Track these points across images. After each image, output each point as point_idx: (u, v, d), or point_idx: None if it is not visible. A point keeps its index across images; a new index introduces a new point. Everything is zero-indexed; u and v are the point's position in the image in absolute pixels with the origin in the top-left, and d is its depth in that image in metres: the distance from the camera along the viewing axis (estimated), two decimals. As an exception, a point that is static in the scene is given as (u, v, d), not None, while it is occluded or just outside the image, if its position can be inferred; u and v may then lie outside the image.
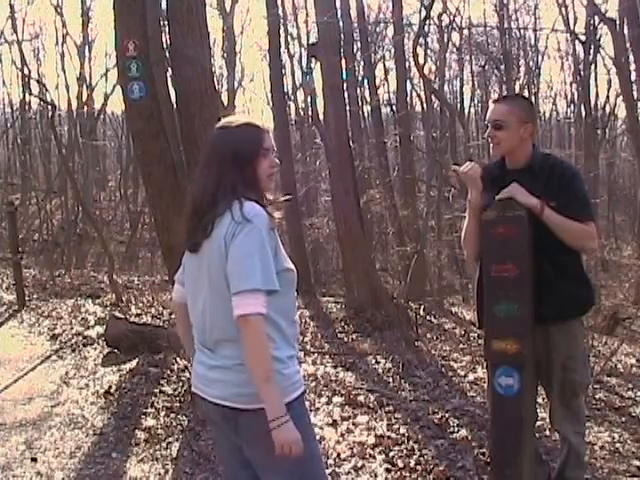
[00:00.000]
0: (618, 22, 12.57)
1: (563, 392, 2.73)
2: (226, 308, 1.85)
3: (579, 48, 18.40)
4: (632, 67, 11.90)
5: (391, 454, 3.64)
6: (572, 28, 18.88)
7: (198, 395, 2.03)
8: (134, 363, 5.52)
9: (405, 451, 3.69)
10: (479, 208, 2.70)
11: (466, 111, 22.27)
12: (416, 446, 3.75)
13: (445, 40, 16.50)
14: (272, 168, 2.00)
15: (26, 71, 20.42)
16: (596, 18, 16.00)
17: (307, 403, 4.58)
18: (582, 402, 2.87)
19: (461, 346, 7.42)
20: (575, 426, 2.79)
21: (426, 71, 15.73)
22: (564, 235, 2.58)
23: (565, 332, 2.71)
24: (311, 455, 1.96)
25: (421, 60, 13.32)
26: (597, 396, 4.90)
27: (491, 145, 2.75)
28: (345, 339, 7.76)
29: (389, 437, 3.90)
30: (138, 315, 7.78)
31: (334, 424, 4.15)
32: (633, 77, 12.17)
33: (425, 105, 15.32)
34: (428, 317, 9.18)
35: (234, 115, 2.08)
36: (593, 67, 19.46)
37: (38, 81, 20.82)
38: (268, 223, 1.88)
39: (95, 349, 6.17)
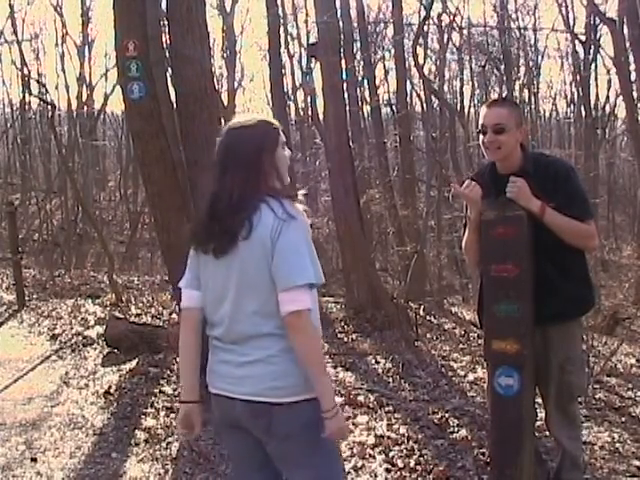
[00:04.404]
0: (618, 22, 12.56)
1: (560, 396, 2.72)
2: (260, 305, 1.87)
3: (579, 48, 18.42)
4: (632, 67, 11.90)
5: (391, 454, 3.64)
6: (572, 28, 18.90)
7: (222, 396, 1.97)
8: (134, 363, 5.52)
9: (405, 451, 3.69)
10: (479, 225, 2.69)
11: (466, 111, 22.27)
12: (416, 446, 3.75)
13: (445, 40, 16.52)
14: (289, 160, 2.02)
15: (26, 71, 20.42)
16: (596, 18, 16.00)
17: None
18: (577, 407, 2.87)
19: (461, 346, 7.41)
20: (570, 432, 2.78)
21: (426, 71, 15.74)
22: (565, 235, 2.58)
23: (564, 333, 2.70)
24: (335, 449, 2.03)
25: (421, 60, 13.34)
26: (597, 396, 4.89)
27: (488, 151, 2.69)
28: (345, 339, 7.75)
29: (389, 437, 3.90)
30: (138, 315, 7.78)
31: (334, 424, 4.14)
32: (633, 77, 12.16)
33: (425, 105, 15.31)
34: (428, 317, 9.17)
35: (241, 115, 2.07)
36: (593, 67, 19.50)
37: (38, 81, 20.81)
38: (307, 219, 1.91)
39: (95, 349, 6.17)
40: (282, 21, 15.76)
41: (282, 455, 1.96)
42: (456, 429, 4.03)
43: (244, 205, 1.86)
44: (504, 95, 20.10)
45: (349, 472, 3.45)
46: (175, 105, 4.96)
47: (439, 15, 15.38)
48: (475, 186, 2.67)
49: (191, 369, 2.03)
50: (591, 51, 18.07)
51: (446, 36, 16.45)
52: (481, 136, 2.70)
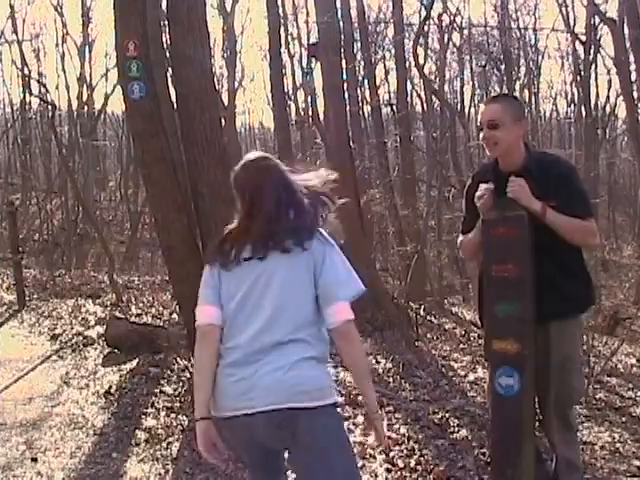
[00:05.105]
0: (618, 22, 12.57)
1: (560, 400, 2.70)
2: (300, 313, 1.97)
3: (579, 48, 18.40)
4: (632, 67, 11.91)
5: (391, 454, 3.64)
6: (572, 28, 18.89)
7: (241, 415, 1.93)
8: (134, 363, 5.52)
9: (405, 451, 3.68)
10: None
11: (466, 111, 22.25)
12: (416, 446, 3.75)
13: (445, 40, 16.49)
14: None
15: (26, 71, 20.43)
16: (596, 18, 16.00)
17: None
18: (574, 414, 2.86)
19: (461, 346, 7.41)
20: (567, 437, 2.78)
21: (426, 71, 15.72)
22: (567, 234, 2.58)
23: (563, 331, 2.70)
24: (354, 455, 2.17)
25: (421, 60, 13.34)
26: (597, 396, 4.89)
27: (487, 148, 2.69)
28: (345, 339, 7.75)
29: (389, 437, 3.90)
30: (138, 315, 7.78)
31: (334, 424, 4.14)
32: (633, 77, 12.17)
33: (425, 105, 15.34)
34: (428, 317, 9.17)
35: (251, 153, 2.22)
36: (593, 67, 19.48)
37: (38, 81, 20.82)
38: None
39: (95, 349, 6.17)
40: (282, 21, 15.76)
41: (306, 460, 1.95)
42: (456, 429, 4.02)
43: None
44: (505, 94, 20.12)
45: (349, 472, 3.45)
46: (175, 105, 4.95)
47: (439, 15, 15.39)
48: (488, 193, 2.66)
49: (209, 385, 2.00)
50: (591, 51, 18.05)
51: (446, 36, 16.43)
52: (481, 133, 2.70)
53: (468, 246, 2.81)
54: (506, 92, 19.06)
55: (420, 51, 13.73)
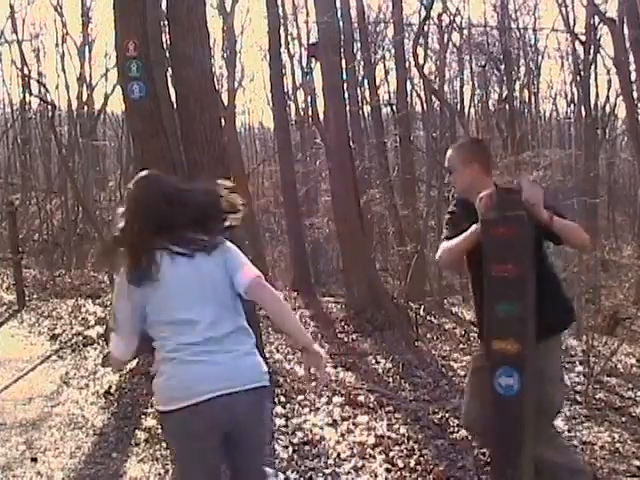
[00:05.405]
0: (618, 22, 12.57)
1: (540, 414, 2.69)
2: (232, 305, 2.18)
3: (579, 48, 18.39)
4: (632, 67, 11.90)
5: (391, 454, 3.64)
6: (572, 28, 18.87)
7: (219, 396, 2.07)
8: (134, 363, 5.52)
9: (405, 451, 3.69)
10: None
11: (466, 111, 22.26)
12: (416, 446, 3.75)
13: (445, 40, 16.46)
14: None
15: (26, 71, 20.40)
16: (596, 18, 15.99)
17: (307, 403, 4.57)
18: (553, 428, 2.93)
19: (461, 346, 7.42)
20: (554, 443, 2.80)
21: (426, 71, 15.69)
22: (571, 238, 2.67)
23: (546, 346, 2.72)
24: None
25: (421, 60, 13.31)
26: (597, 396, 4.90)
27: None
28: (345, 339, 7.75)
29: (389, 437, 3.90)
30: (138, 315, 7.76)
31: (334, 424, 4.15)
32: (633, 77, 12.16)
33: (425, 105, 15.33)
34: (428, 317, 9.17)
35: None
36: (593, 67, 19.46)
37: (38, 81, 20.80)
38: None
39: (95, 349, 6.17)
40: (282, 21, 15.76)
41: (251, 439, 2.21)
42: (456, 429, 4.03)
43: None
44: (504, 95, 20.13)
45: (349, 472, 3.45)
46: (175, 105, 4.95)
47: (439, 15, 15.34)
48: (486, 197, 2.67)
49: None
50: (591, 51, 18.03)
51: (446, 36, 16.39)
52: None
53: (454, 250, 2.79)
54: (506, 94, 19.10)
55: (420, 51, 13.70)
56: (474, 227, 2.70)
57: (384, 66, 20.17)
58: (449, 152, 2.98)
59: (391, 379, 5.58)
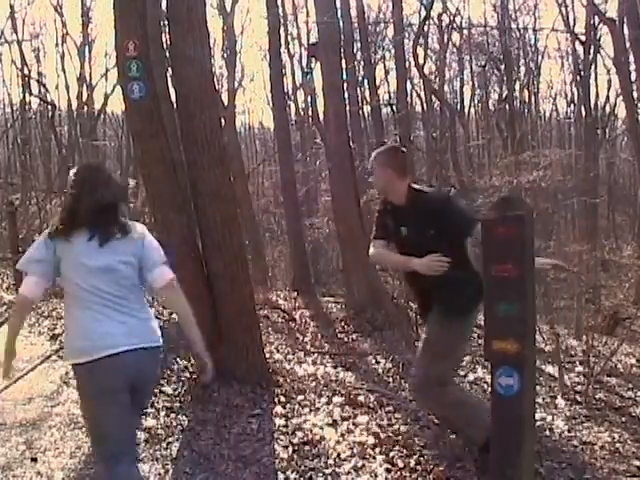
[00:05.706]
0: (618, 22, 12.58)
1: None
2: (131, 276, 2.56)
3: (579, 48, 18.41)
4: (632, 67, 11.92)
5: (391, 454, 3.64)
6: (572, 28, 18.90)
7: (125, 351, 2.44)
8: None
9: (405, 451, 3.68)
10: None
11: (466, 111, 22.29)
12: (416, 446, 3.75)
13: (445, 40, 16.52)
14: None
15: (26, 71, 20.43)
16: (596, 18, 16.01)
17: (307, 403, 4.57)
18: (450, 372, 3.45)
19: (461, 346, 7.40)
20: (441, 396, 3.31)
21: (426, 71, 15.73)
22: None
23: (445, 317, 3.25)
24: None
25: (421, 60, 13.35)
26: (597, 396, 4.90)
27: None
28: (345, 339, 7.75)
29: (389, 437, 3.90)
30: (138, 315, 7.76)
31: (334, 424, 4.15)
32: (633, 77, 12.18)
33: (425, 105, 15.37)
34: (428, 317, 9.16)
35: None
36: (593, 67, 19.49)
37: (38, 81, 20.85)
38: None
39: (95, 349, 6.16)
40: (282, 21, 15.78)
41: (147, 389, 2.72)
42: (456, 429, 4.02)
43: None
44: (504, 95, 20.14)
45: (349, 472, 3.46)
46: (175, 105, 4.95)
47: (439, 15, 15.42)
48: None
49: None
50: (591, 51, 18.06)
51: (446, 36, 16.46)
52: None
53: (383, 262, 3.44)
54: (506, 94, 19.10)
55: (420, 51, 13.76)
56: (403, 260, 3.20)
57: (384, 66, 20.25)
58: (372, 156, 3.43)
59: (391, 379, 5.58)
